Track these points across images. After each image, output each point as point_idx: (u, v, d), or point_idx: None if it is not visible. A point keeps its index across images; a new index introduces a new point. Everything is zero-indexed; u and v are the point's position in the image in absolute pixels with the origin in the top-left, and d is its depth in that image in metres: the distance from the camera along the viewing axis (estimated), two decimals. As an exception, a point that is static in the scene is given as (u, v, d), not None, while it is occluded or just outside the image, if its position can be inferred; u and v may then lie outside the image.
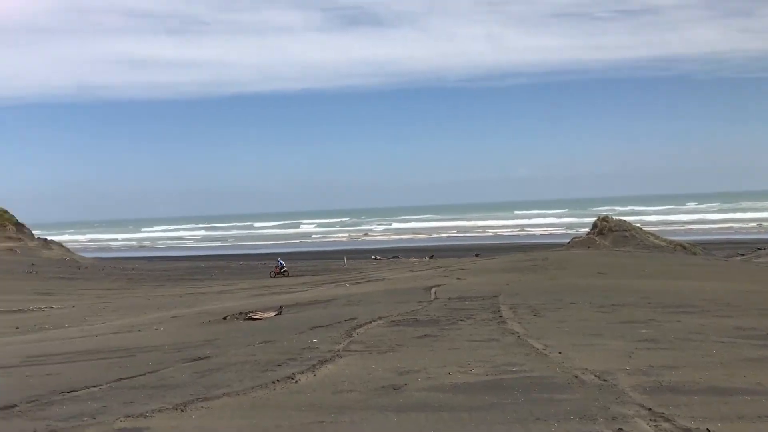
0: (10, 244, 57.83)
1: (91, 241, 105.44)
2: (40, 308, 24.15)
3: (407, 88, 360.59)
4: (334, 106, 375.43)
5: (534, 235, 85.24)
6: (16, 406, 6.75)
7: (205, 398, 6.68)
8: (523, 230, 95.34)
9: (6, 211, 65.40)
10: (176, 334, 12.43)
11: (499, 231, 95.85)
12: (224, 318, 13.93)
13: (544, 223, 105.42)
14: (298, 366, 7.99)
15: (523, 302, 13.09)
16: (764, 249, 41.89)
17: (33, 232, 64.41)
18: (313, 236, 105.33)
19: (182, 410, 6.29)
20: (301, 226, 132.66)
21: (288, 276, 38.05)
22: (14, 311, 23.65)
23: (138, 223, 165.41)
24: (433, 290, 16.76)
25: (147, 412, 6.26)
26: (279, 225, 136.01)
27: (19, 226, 63.56)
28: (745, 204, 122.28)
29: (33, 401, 6.92)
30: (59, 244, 62.38)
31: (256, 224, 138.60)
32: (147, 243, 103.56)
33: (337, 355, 8.56)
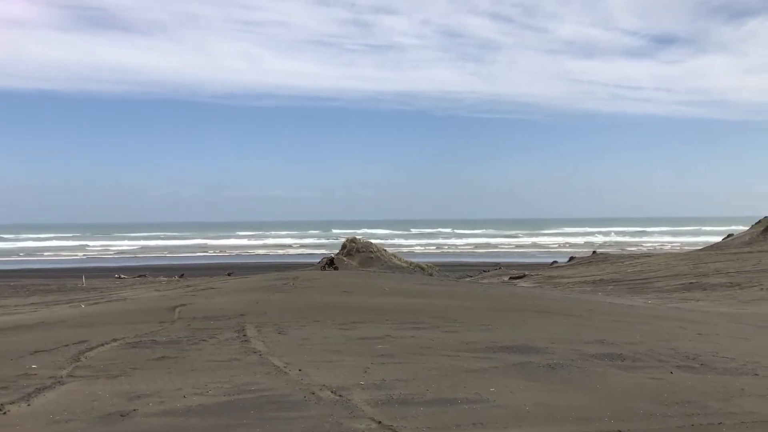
0: None
1: None
2: None
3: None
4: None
5: (289, 255, 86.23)
6: None
7: None
8: (280, 249, 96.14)
9: None
10: None
11: (254, 250, 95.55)
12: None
13: (299, 243, 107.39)
14: (9, 395, 7.09)
15: (269, 321, 13.04)
16: (488, 271, 46.70)
17: None
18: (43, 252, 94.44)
19: None
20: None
21: None
22: None
23: None
24: (177, 310, 16.03)
25: None
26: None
27: None
28: (477, 231, 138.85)
29: None
30: None
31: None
32: None
33: (59, 382, 7.76)
